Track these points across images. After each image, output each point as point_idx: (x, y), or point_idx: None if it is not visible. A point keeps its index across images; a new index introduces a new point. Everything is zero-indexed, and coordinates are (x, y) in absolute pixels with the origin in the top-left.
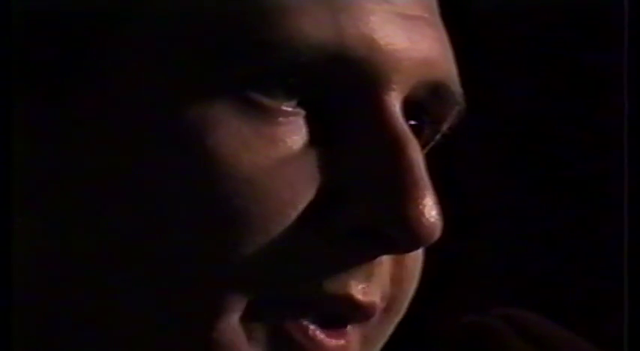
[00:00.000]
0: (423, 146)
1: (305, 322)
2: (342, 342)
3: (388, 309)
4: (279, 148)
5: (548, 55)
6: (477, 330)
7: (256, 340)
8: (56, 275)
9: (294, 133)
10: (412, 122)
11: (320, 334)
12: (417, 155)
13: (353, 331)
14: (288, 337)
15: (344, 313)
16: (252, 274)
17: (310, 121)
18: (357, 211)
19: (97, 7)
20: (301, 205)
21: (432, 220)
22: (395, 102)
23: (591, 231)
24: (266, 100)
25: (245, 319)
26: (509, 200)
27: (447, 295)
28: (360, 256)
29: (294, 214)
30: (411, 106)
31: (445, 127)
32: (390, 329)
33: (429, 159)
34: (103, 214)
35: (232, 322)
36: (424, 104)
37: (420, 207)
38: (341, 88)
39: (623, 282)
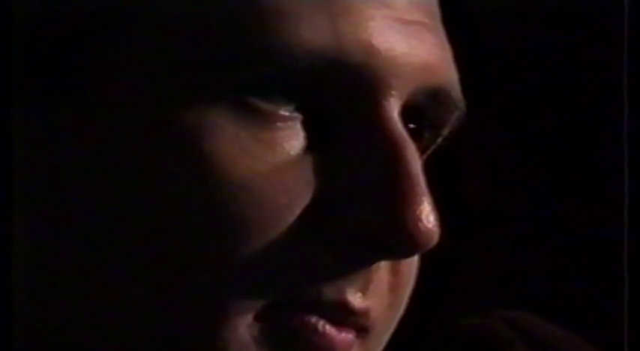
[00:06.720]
0: (424, 150)
1: (312, 319)
2: (350, 336)
3: (385, 317)
4: (277, 153)
5: (548, 57)
6: (477, 332)
7: (264, 343)
8: (56, 278)
9: (291, 138)
10: (412, 126)
11: (330, 329)
12: (414, 161)
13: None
14: (296, 335)
15: (341, 320)
16: (251, 280)
17: (308, 126)
18: (354, 217)
19: (96, 11)
20: (298, 211)
21: (430, 226)
22: (393, 107)
23: (591, 233)
24: (264, 105)
25: (250, 324)
26: (508, 202)
27: (448, 298)
28: (358, 262)
29: (291, 219)
30: (410, 111)
31: (446, 131)
32: (386, 336)
33: (427, 163)
34: (101, 218)
35: (238, 330)
36: (424, 109)
37: (417, 213)
38: (339, 93)
39: (624, 283)
